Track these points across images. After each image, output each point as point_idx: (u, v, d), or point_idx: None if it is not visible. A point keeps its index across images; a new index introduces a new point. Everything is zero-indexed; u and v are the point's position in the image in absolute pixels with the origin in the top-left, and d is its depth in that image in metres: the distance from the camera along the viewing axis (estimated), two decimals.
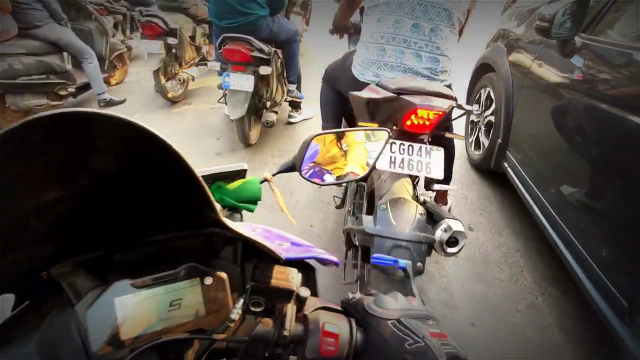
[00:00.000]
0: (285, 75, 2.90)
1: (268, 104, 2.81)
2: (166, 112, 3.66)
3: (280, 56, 2.72)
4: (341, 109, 1.83)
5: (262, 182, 0.73)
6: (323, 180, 0.84)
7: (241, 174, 0.72)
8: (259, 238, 0.42)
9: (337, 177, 0.86)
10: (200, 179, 0.35)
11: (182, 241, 0.48)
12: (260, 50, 2.44)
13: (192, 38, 3.84)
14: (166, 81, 3.62)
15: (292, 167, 0.72)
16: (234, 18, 2.39)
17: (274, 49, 2.56)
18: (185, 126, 3.35)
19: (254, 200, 0.71)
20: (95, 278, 0.42)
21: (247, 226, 0.51)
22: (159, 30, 3.27)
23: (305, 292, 0.42)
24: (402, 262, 0.84)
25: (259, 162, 2.74)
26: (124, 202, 0.40)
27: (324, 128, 1.85)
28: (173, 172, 0.34)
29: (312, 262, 0.52)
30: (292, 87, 3.00)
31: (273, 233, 0.54)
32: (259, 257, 0.47)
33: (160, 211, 0.43)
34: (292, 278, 0.43)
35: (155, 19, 3.25)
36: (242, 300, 0.42)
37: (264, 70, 2.47)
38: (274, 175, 0.74)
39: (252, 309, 0.42)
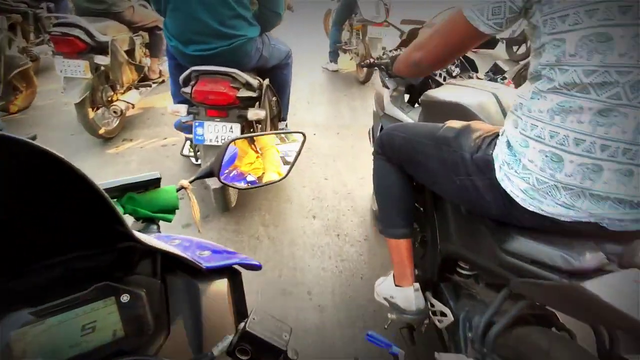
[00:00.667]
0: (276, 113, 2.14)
1: None
2: (98, 155, 2.68)
3: (273, 91, 1.95)
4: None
5: (178, 189, 0.70)
6: (245, 183, 0.97)
7: (155, 182, 0.65)
8: (175, 249, 0.44)
9: (257, 177, 0.97)
10: (102, 192, 0.34)
11: (90, 260, 0.44)
12: (248, 86, 1.67)
13: (130, 53, 2.86)
14: (95, 111, 2.63)
15: (210, 172, 0.73)
16: (209, 42, 1.59)
17: (265, 83, 1.80)
18: (129, 175, 2.43)
19: (171, 210, 0.67)
20: None
21: (164, 237, 0.51)
22: (81, 46, 2.29)
23: (294, 354, 0.43)
24: (396, 349, 0.96)
25: (248, 237, 1.98)
26: (18, 224, 0.37)
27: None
28: (73, 188, 0.33)
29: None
30: (283, 124, 2.26)
31: (194, 242, 0.55)
32: (182, 268, 0.49)
33: (63, 229, 0.40)
34: (285, 336, 0.43)
35: (74, 30, 2.26)
36: (228, 340, 0.42)
37: (254, 114, 1.70)
38: (191, 182, 0.73)
39: (238, 355, 0.42)
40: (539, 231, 0.79)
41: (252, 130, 1.82)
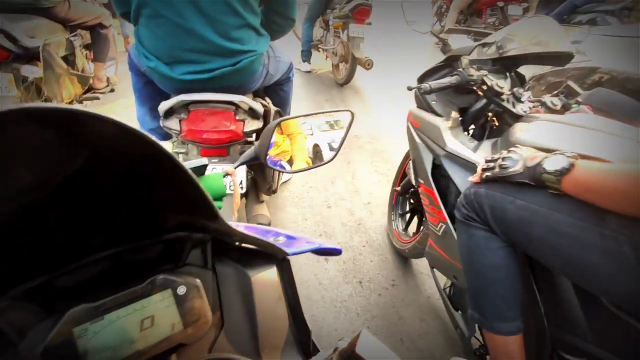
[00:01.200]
0: None
1: (263, 197, 1.62)
2: None
3: (281, 113, 1.55)
4: None
5: (224, 176, 0.67)
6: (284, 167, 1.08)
7: (202, 170, 0.63)
8: (263, 237, 0.43)
9: (288, 161, 1.04)
10: (195, 178, 0.32)
11: (138, 253, 0.43)
12: (253, 114, 1.27)
13: (69, 59, 2.25)
14: None
15: (255, 157, 0.71)
16: (207, 62, 1.14)
17: (273, 108, 1.40)
18: None
19: (219, 197, 0.64)
20: (39, 309, 0.37)
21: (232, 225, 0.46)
22: (1, 55, 1.69)
23: None
24: None
25: None
26: (76, 212, 0.35)
27: None
28: (163, 174, 0.32)
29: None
30: None
31: (259, 230, 0.53)
32: (230, 256, 0.48)
33: (117, 220, 0.39)
34: None
35: None
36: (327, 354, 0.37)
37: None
38: (235, 167, 0.72)
39: None
40: None
41: (260, 166, 1.43)
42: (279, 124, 0.72)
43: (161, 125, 1.23)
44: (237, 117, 1.19)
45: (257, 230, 0.49)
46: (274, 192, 1.54)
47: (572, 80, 2.02)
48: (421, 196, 1.31)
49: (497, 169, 0.80)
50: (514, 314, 0.86)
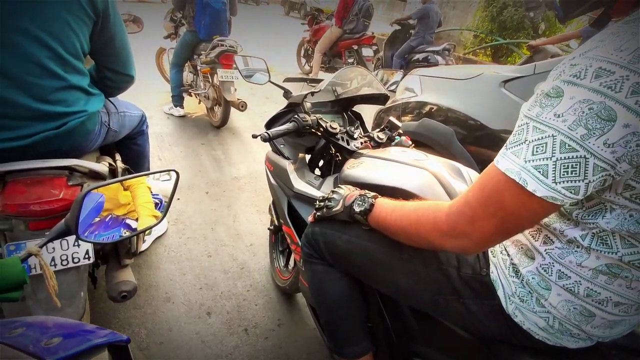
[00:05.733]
0: None
1: (125, 261, 1.47)
2: None
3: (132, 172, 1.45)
4: None
5: (24, 259, 0.61)
6: (124, 229, 1.01)
7: None
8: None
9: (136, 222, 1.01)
10: None
11: None
12: (96, 175, 1.17)
13: None
14: None
15: (65, 231, 0.66)
16: (22, 127, 1.00)
17: (120, 165, 1.31)
18: None
19: (16, 286, 0.57)
20: None
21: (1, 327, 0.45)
22: None
23: None
24: None
25: None
26: None
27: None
28: None
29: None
30: None
31: (46, 326, 0.50)
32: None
33: None
34: None
35: None
36: None
37: None
38: (41, 246, 0.64)
39: None
40: (546, 353, 0.70)
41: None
42: (88, 192, 0.68)
43: None
44: (71, 182, 1.08)
45: (32, 334, 0.45)
46: (134, 254, 1.41)
47: (409, 111, 2.39)
48: (285, 235, 1.36)
49: (325, 210, 0.89)
50: (362, 336, 0.95)
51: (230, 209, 2.52)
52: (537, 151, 0.50)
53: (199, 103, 3.95)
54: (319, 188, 1.21)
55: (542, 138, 0.50)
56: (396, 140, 1.37)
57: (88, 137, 1.16)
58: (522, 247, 0.68)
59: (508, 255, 0.70)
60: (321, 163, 1.46)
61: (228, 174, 2.96)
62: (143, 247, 2.01)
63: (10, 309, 1.09)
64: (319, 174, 1.42)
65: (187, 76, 3.90)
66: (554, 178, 0.49)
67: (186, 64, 3.81)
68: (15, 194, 1.01)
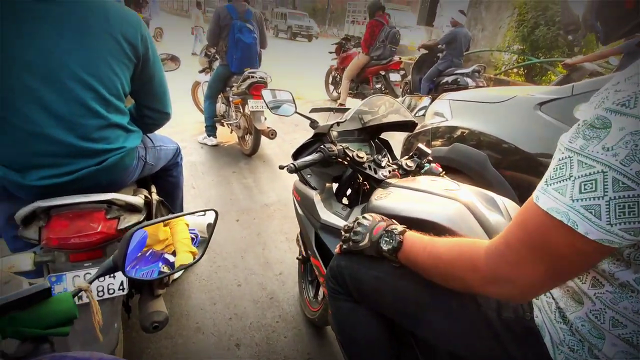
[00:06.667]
0: None
1: (158, 291, 1.50)
2: None
3: (167, 205, 1.50)
4: None
5: (75, 295, 0.62)
6: (163, 263, 1.10)
7: (44, 294, 0.57)
8: None
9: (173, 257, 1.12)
10: None
11: None
12: (132, 209, 1.22)
13: None
14: None
15: (113, 267, 0.69)
16: (66, 165, 1.08)
17: (155, 197, 1.36)
18: None
19: (66, 321, 0.59)
20: None
21: None
22: None
23: None
24: None
25: None
26: None
27: None
28: None
29: None
30: None
31: None
32: None
33: None
34: None
35: None
36: None
37: None
38: (90, 282, 0.66)
39: None
40: None
41: None
42: (132, 235, 0.70)
43: (18, 235, 1.11)
44: (109, 216, 1.13)
45: None
46: (166, 284, 1.44)
47: (439, 135, 2.34)
48: (313, 267, 1.34)
49: (351, 243, 0.86)
50: None
51: (260, 236, 2.53)
52: (585, 189, 0.46)
53: (231, 132, 4.09)
54: (346, 219, 1.19)
55: (590, 174, 0.46)
56: (425, 168, 1.34)
57: (126, 171, 1.22)
58: (568, 290, 0.62)
59: (553, 298, 0.64)
60: (349, 192, 1.44)
61: (258, 201, 3.00)
62: (175, 275, 2.05)
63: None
64: (347, 203, 1.40)
65: (220, 107, 4.08)
66: (608, 219, 0.45)
67: (219, 96, 3.99)
68: (58, 227, 1.07)
